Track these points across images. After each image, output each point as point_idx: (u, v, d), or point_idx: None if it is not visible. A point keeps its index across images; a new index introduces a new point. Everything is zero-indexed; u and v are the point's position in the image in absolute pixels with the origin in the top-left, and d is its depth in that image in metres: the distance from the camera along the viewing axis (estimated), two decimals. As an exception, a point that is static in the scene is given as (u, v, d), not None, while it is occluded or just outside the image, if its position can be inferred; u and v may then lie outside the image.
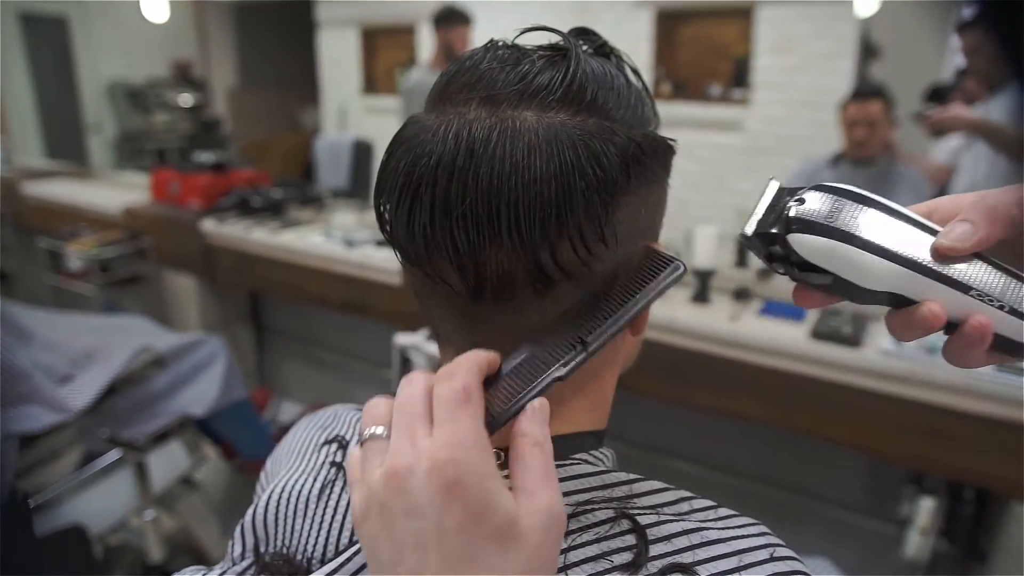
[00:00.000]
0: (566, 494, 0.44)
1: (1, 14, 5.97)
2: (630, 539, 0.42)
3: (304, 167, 6.17)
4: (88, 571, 1.75)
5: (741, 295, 2.06)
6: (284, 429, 2.68)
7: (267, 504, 0.53)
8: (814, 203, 0.39)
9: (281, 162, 6.41)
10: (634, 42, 4.46)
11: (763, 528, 0.46)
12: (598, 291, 0.43)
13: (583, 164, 0.40)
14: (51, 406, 1.62)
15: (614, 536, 0.42)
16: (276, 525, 0.52)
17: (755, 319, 1.95)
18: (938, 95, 3.56)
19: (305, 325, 3.21)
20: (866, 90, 2.66)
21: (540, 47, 0.45)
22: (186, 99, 7.34)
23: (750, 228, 0.41)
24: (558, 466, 0.45)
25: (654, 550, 0.42)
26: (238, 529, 0.54)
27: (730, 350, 1.87)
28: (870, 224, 0.38)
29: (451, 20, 3.17)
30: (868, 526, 2.03)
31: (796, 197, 0.39)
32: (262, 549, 0.51)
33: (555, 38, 0.45)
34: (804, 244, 0.38)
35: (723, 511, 0.47)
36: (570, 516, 0.43)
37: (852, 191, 0.39)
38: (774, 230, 0.39)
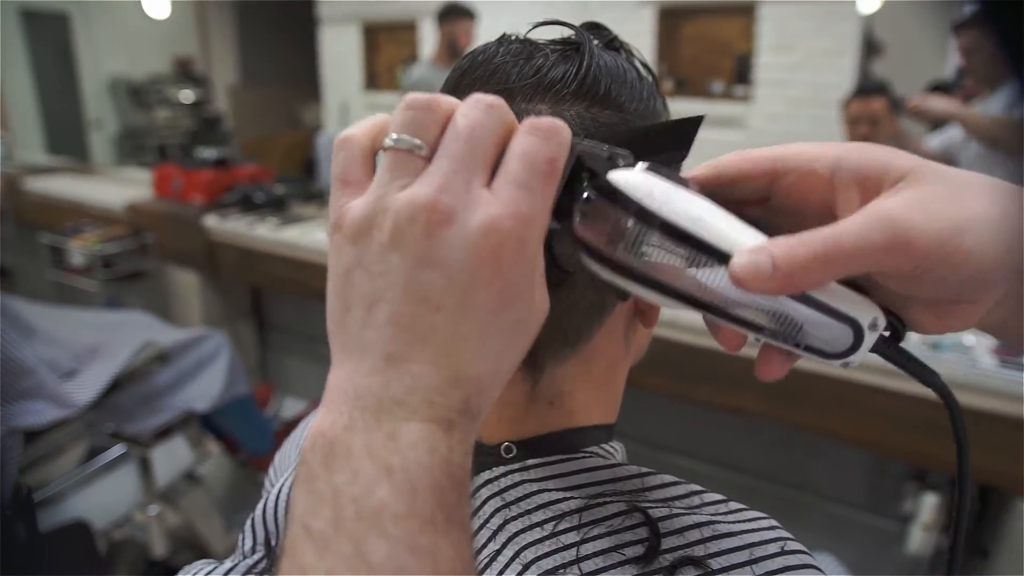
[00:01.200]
0: (578, 487, 0.44)
1: (2, 10, 5.97)
2: (642, 532, 0.42)
3: (305, 164, 6.16)
4: (92, 566, 1.75)
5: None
6: (287, 424, 2.69)
7: (278, 498, 0.53)
8: (597, 218, 0.33)
9: (282, 159, 6.40)
10: (636, 39, 4.39)
11: (773, 522, 0.46)
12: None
13: None
14: (55, 401, 1.62)
15: (626, 529, 0.42)
16: (287, 519, 0.52)
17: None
18: (939, 92, 3.56)
19: (308, 321, 3.21)
20: (869, 87, 2.66)
21: (552, 41, 0.45)
22: (187, 95, 7.33)
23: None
24: (569, 459, 0.45)
25: (666, 543, 0.42)
26: (248, 523, 0.54)
27: (733, 346, 1.87)
28: (657, 253, 0.32)
29: (455, 15, 3.16)
30: (871, 522, 2.03)
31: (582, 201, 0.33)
32: (273, 543, 0.52)
33: (565, 33, 0.45)
34: (591, 265, 0.34)
35: (733, 504, 0.47)
36: (583, 509, 0.43)
37: (644, 207, 0.32)
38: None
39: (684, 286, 0.34)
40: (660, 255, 0.33)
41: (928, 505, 1.74)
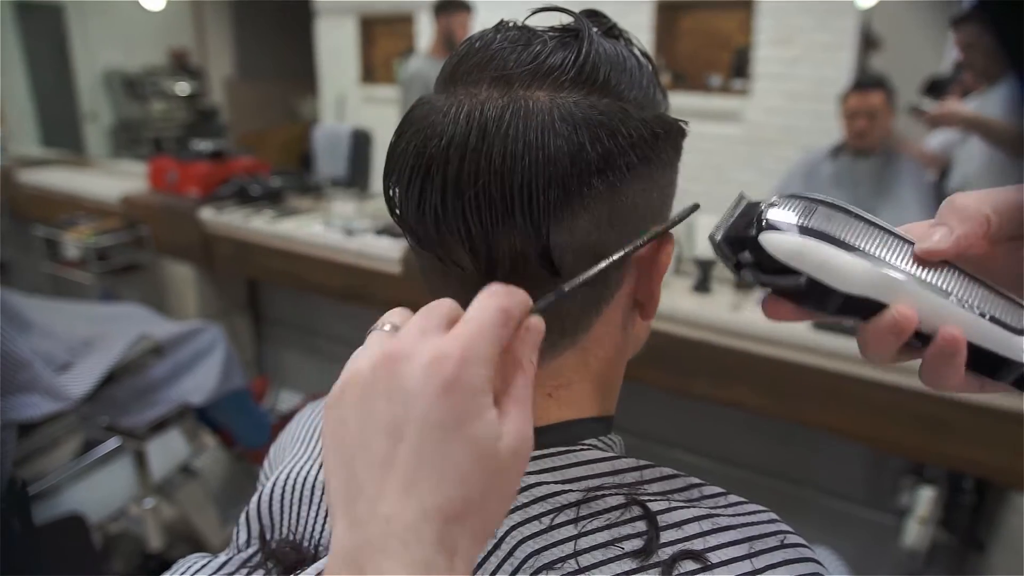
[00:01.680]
0: (576, 480, 0.44)
1: (-3, 2, 5.94)
2: (641, 525, 0.42)
3: (301, 156, 6.14)
4: (87, 560, 1.75)
5: (742, 285, 2.06)
6: (283, 418, 2.68)
7: (272, 491, 0.52)
8: (787, 206, 0.37)
9: (278, 151, 6.39)
10: (634, 33, 4.43)
11: (773, 515, 0.46)
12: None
13: (597, 144, 0.40)
14: (50, 394, 1.61)
15: (625, 522, 0.42)
16: (282, 512, 0.51)
17: (756, 309, 1.95)
18: (936, 88, 3.55)
19: (304, 314, 3.21)
20: (867, 81, 2.65)
21: (551, 28, 0.44)
22: (183, 88, 7.30)
23: (719, 233, 0.39)
24: (567, 451, 0.45)
25: (665, 536, 0.41)
26: (243, 516, 0.53)
27: (731, 340, 1.87)
28: (843, 226, 0.36)
29: (452, 7, 3.16)
30: (868, 516, 2.03)
31: (768, 202, 0.37)
32: (268, 536, 0.51)
33: (564, 20, 0.45)
34: (775, 242, 0.36)
35: (732, 498, 0.46)
36: (581, 502, 0.42)
37: (825, 199, 0.37)
38: (746, 233, 0.37)
39: (872, 247, 0.36)
40: (849, 226, 0.36)
41: (925, 499, 1.74)
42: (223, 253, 2.94)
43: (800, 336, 1.79)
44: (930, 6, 4.60)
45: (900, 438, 1.71)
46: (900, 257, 0.36)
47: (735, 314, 1.91)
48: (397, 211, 0.44)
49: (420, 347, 0.32)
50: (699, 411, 2.20)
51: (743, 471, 2.20)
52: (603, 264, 0.39)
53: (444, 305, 0.35)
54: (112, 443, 1.95)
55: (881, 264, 0.35)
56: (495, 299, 0.33)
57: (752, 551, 0.42)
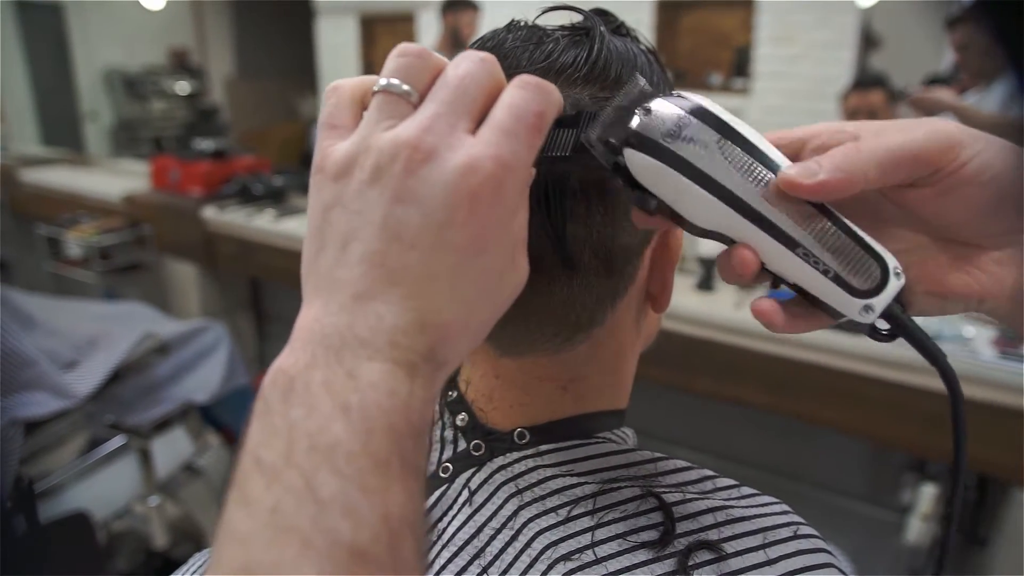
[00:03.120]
0: (592, 472, 0.44)
1: (-3, 1, 5.94)
2: (656, 517, 0.42)
3: (302, 155, 6.15)
4: (92, 557, 1.75)
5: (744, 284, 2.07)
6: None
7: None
8: (660, 116, 0.34)
9: (279, 151, 6.39)
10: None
11: (786, 507, 0.46)
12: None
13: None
14: (56, 392, 1.62)
15: (640, 514, 0.42)
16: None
17: (758, 307, 1.95)
18: (936, 86, 3.56)
19: (306, 313, 3.21)
20: (867, 80, 2.66)
21: (561, 27, 0.45)
22: (183, 87, 7.30)
23: (595, 130, 0.35)
24: (583, 445, 0.45)
25: (680, 527, 0.42)
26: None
27: (734, 337, 1.88)
28: (712, 152, 0.34)
29: (459, 6, 3.16)
30: (869, 513, 2.04)
31: (646, 104, 0.35)
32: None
33: (573, 18, 0.45)
34: (635, 161, 0.34)
35: (745, 490, 0.47)
36: (597, 494, 0.43)
37: (707, 109, 0.34)
38: (613, 139, 0.34)
39: (730, 183, 0.34)
40: (712, 155, 0.34)
41: (927, 496, 1.75)
42: (225, 252, 2.94)
43: (803, 334, 1.79)
44: (930, 5, 4.61)
45: (902, 435, 1.71)
46: (759, 188, 0.34)
47: (738, 312, 1.91)
48: None
49: (451, 147, 0.29)
50: (702, 408, 2.20)
51: (745, 468, 2.21)
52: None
53: (481, 75, 0.31)
54: (117, 441, 1.95)
55: (734, 202, 0.34)
56: (532, 100, 0.30)
57: (766, 542, 0.42)
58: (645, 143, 0.34)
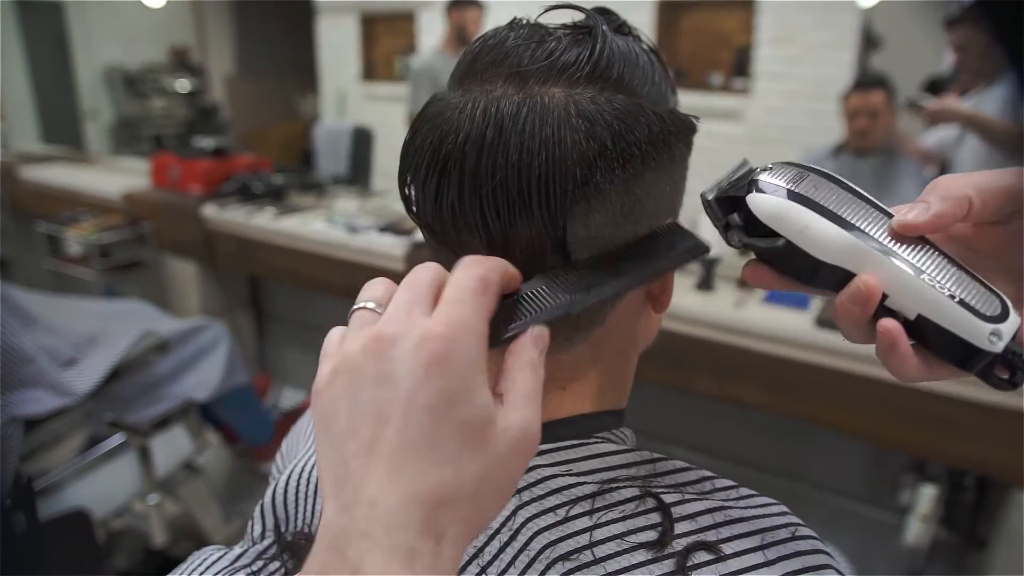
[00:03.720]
0: (591, 472, 0.44)
1: (-3, -2, 5.93)
2: (655, 517, 0.42)
3: (302, 154, 6.15)
4: (91, 555, 1.75)
5: (745, 283, 2.07)
6: (285, 415, 2.68)
7: (286, 485, 0.53)
8: (779, 171, 0.38)
9: (279, 149, 6.38)
10: (635, 31, 4.46)
11: (784, 508, 0.46)
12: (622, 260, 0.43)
13: (612, 140, 0.40)
14: (55, 390, 1.62)
15: (639, 514, 0.42)
16: (296, 505, 0.52)
17: (759, 307, 1.95)
18: (936, 87, 3.56)
19: (306, 311, 3.21)
20: (868, 80, 2.66)
21: (563, 26, 0.45)
22: (183, 85, 7.29)
23: (711, 193, 0.39)
24: (582, 444, 0.45)
25: (678, 528, 0.42)
26: (257, 509, 0.54)
27: (734, 337, 1.88)
28: (828, 194, 0.36)
29: (465, 3, 3.16)
30: (869, 514, 2.04)
31: (763, 167, 0.38)
32: (283, 529, 0.52)
33: (574, 18, 0.45)
34: (759, 203, 0.36)
35: (744, 491, 0.47)
36: (596, 494, 0.43)
37: (817, 168, 0.38)
38: (735, 192, 0.38)
39: (853, 218, 0.36)
40: (834, 196, 0.37)
41: (926, 496, 1.75)
42: (225, 250, 2.94)
43: (803, 333, 1.79)
44: (931, 5, 4.60)
45: (902, 435, 1.71)
46: (878, 230, 0.36)
47: (738, 312, 1.91)
48: (414, 208, 0.45)
49: (408, 328, 0.31)
50: (701, 408, 2.20)
51: (745, 468, 2.21)
52: (630, 282, 0.41)
53: (428, 273, 0.35)
54: (116, 439, 1.95)
55: (858, 234, 0.36)
56: (470, 270, 0.34)
57: (764, 543, 0.42)
58: (770, 188, 0.36)
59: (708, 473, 0.47)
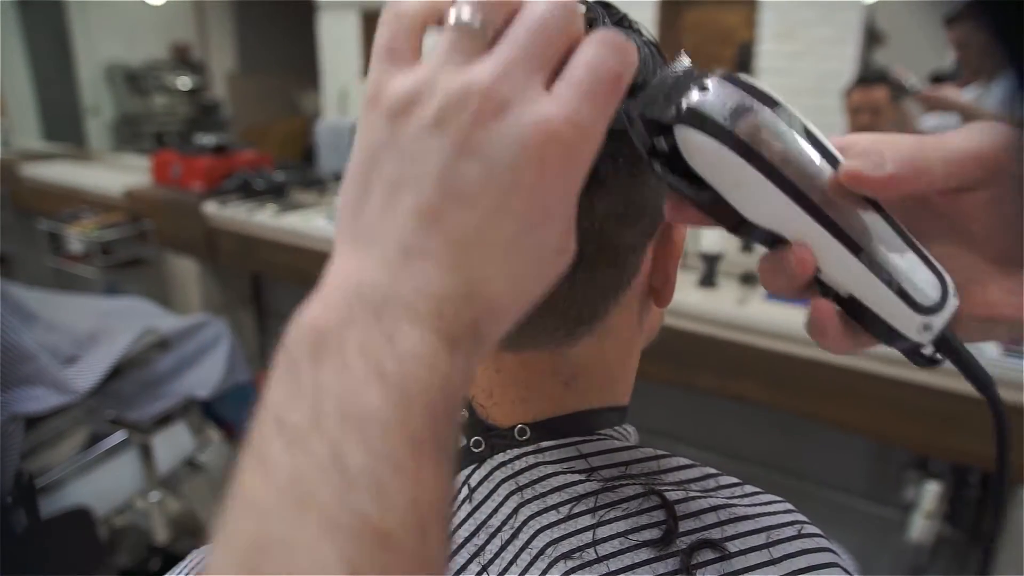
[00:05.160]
0: (594, 469, 0.43)
1: (-2, -4, 5.93)
2: (659, 515, 0.42)
3: (304, 151, 6.14)
4: (93, 553, 1.75)
5: (748, 279, 2.06)
6: (287, 412, 2.70)
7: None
8: (719, 94, 0.31)
9: (280, 146, 6.38)
10: (637, 28, 4.46)
11: (789, 505, 0.46)
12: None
13: (614, 133, 0.39)
14: (56, 387, 1.62)
15: (642, 512, 0.42)
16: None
17: (762, 303, 1.94)
18: (939, 82, 3.55)
19: (307, 309, 3.21)
20: (871, 76, 2.65)
21: None
22: (185, 82, 7.28)
23: (637, 107, 0.32)
24: (585, 441, 0.45)
25: (683, 526, 0.41)
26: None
27: (737, 334, 1.87)
28: (772, 140, 0.30)
29: None
30: (872, 510, 2.03)
31: (701, 81, 0.31)
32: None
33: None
34: (692, 143, 0.30)
35: (748, 488, 0.46)
36: (599, 492, 0.42)
37: (764, 91, 0.32)
38: (660, 116, 0.31)
39: (795, 175, 0.31)
40: (777, 143, 0.31)
41: (930, 493, 1.74)
42: (227, 247, 2.94)
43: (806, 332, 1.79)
44: (932, 2, 4.60)
45: (905, 432, 1.70)
46: (821, 186, 0.31)
47: (740, 308, 1.91)
48: None
49: (525, 104, 0.26)
50: (703, 405, 2.20)
51: (748, 465, 2.20)
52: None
53: (559, 20, 0.28)
54: (118, 436, 1.95)
55: (797, 197, 0.31)
56: (613, 60, 0.27)
57: (770, 541, 0.42)
58: (705, 122, 0.30)
59: (712, 470, 0.47)
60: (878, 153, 0.31)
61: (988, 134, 0.32)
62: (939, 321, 0.32)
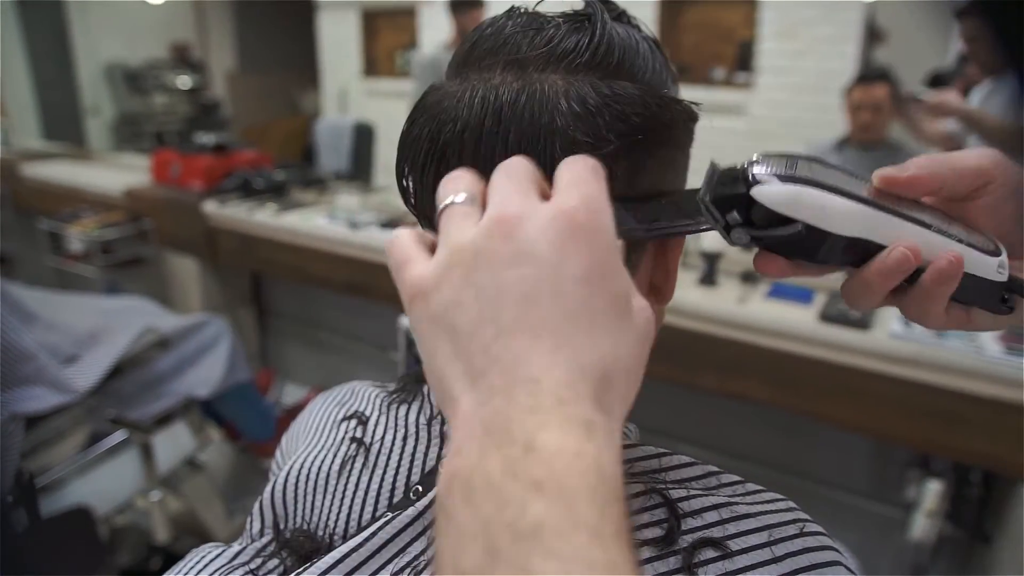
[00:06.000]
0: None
1: (-3, -5, 5.93)
2: (660, 513, 0.41)
3: (304, 150, 6.14)
4: (94, 552, 1.75)
5: (749, 277, 2.06)
6: (288, 411, 2.68)
7: (286, 481, 0.52)
8: (768, 162, 0.37)
9: (280, 145, 6.38)
10: (638, 26, 4.46)
11: (791, 503, 0.45)
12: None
13: (612, 127, 0.39)
14: (56, 387, 1.62)
15: (644, 510, 0.42)
16: (296, 502, 0.51)
17: (763, 301, 1.94)
18: (939, 81, 3.55)
19: (308, 307, 3.21)
20: (871, 74, 2.65)
21: (562, 13, 0.44)
22: (185, 82, 7.29)
23: (706, 195, 0.38)
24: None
25: (684, 524, 0.41)
26: (256, 506, 0.53)
27: (738, 332, 1.87)
28: (825, 174, 0.37)
29: (466, 5, 3.18)
30: (873, 509, 2.03)
31: (749, 160, 0.37)
32: (282, 526, 0.51)
33: (573, 8, 0.45)
34: (769, 193, 0.36)
35: (750, 486, 0.46)
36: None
37: (800, 154, 0.38)
38: (734, 190, 0.37)
39: (855, 190, 0.37)
40: (829, 174, 0.37)
41: (931, 492, 1.74)
42: (227, 246, 2.94)
43: (807, 328, 1.78)
44: (934, 0, 4.59)
45: (907, 431, 1.70)
46: (872, 194, 0.38)
47: (741, 307, 1.90)
48: (412, 200, 0.44)
49: (533, 207, 0.29)
50: (704, 404, 2.20)
51: (749, 464, 2.20)
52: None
53: (523, 163, 0.32)
54: (118, 436, 1.95)
55: (871, 205, 0.37)
56: (579, 161, 0.31)
57: (772, 539, 0.42)
58: (773, 175, 0.36)
59: (714, 468, 0.47)
60: (903, 164, 0.39)
61: (986, 155, 0.40)
62: (1005, 260, 0.39)
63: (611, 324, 0.28)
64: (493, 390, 0.27)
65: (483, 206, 0.31)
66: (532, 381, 0.26)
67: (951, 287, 0.38)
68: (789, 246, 0.37)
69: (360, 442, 0.52)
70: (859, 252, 0.37)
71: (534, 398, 0.26)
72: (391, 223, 2.63)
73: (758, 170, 0.36)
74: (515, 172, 0.31)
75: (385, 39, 6.12)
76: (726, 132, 4.21)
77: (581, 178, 0.30)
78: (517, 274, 0.28)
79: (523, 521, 0.23)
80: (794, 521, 0.43)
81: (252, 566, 0.48)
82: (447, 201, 0.31)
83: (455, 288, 0.29)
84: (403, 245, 0.33)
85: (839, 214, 0.36)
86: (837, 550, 0.43)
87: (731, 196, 0.36)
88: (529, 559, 0.22)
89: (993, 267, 0.38)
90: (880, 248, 0.37)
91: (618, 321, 0.29)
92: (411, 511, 0.44)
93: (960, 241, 0.38)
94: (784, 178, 0.36)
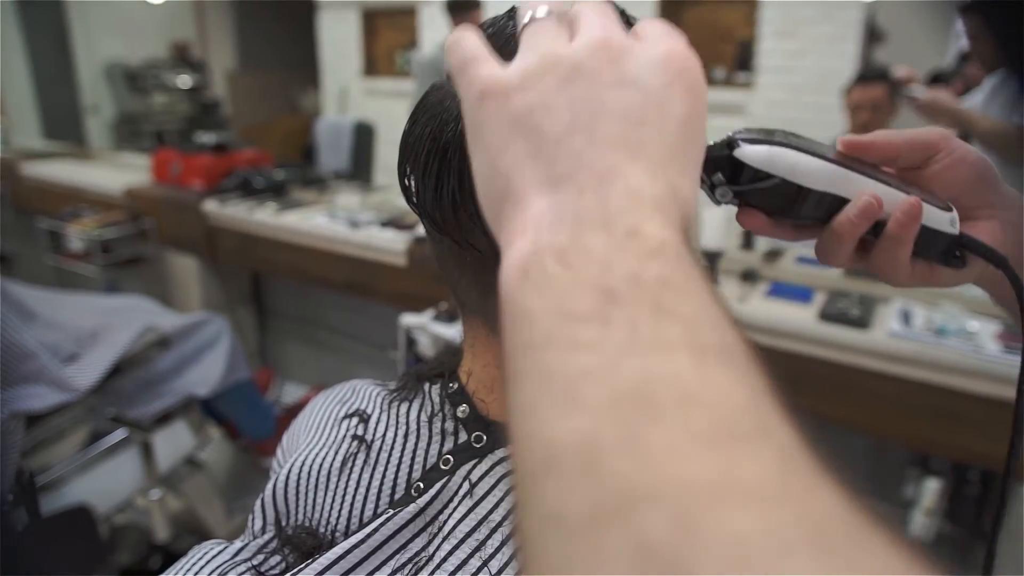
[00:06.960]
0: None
1: (-2, -6, 5.92)
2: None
3: (303, 150, 6.14)
4: (94, 551, 1.75)
5: (748, 277, 2.06)
6: (287, 410, 2.68)
7: (287, 478, 0.52)
8: (749, 132, 0.41)
9: (280, 144, 6.38)
10: (637, 25, 4.46)
11: None
12: None
13: None
14: (57, 385, 1.62)
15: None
16: (297, 499, 0.52)
17: (762, 301, 1.95)
18: (938, 81, 3.55)
19: (308, 307, 3.21)
20: (870, 74, 2.65)
21: None
22: (185, 81, 7.28)
23: None
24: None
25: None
26: (258, 503, 0.53)
27: (736, 332, 1.87)
28: (799, 141, 0.41)
29: (465, 8, 3.18)
30: (872, 507, 2.03)
31: (733, 132, 0.41)
32: (284, 523, 0.51)
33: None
34: (750, 152, 0.39)
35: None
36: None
37: (778, 129, 0.42)
38: (719, 153, 0.40)
39: (825, 152, 0.42)
40: (802, 140, 0.42)
41: (930, 490, 1.74)
42: (227, 245, 2.94)
43: (806, 327, 1.79)
44: (934, 0, 4.59)
45: (905, 429, 1.70)
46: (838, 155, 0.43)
47: (741, 305, 1.91)
48: (414, 199, 0.44)
49: (640, 44, 0.29)
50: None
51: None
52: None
53: (609, 4, 0.32)
54: (118, 434, 1.95)
55: (838, 164, 0.41)
56: (660, 21, 0.32)
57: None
58: (753, 140, 0.40)
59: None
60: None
61: (935, 131, 0.45)
62: (956, 217, 0.43)
63: (695, 174, 0.29)
64: (583, 190, 0.25)
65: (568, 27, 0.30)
66: (631, 191, 0.25)
67: (913, 229, 0.41)
68: (767, 199, 0.40)
69: (361, 439, 0.52)
70: (830, 208, 0.41)
71: (634, 201, 0.25)
72: (391, 222, 2.63)
73: (741, 136, 0.41)
74: (605, 9, 0.31)
75: (385, 39, 6.12)
76: (726, 131, 4.19)
77: (672, 34, 0.30)
78: (621, 95, 0.27)
79: (645, 272, 0.22)
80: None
81: (254, 563, 0.48)
82: (530, 14, 0.31)
83: (545, 93, 0.28)
84: (472, 42, 0.31)
85: (812, 171, 0.40)
86: None
87: (716, 158, 0.40)
88: (660, 292, 0.22)
89: (947, 221, 0.43)
90: (848, 203, 0.42)
91: (697, 173, 0.29)
92: (412, 508, 0.44)
93: (917, 194, 0.42)
94: (763, 141, 0.40)
